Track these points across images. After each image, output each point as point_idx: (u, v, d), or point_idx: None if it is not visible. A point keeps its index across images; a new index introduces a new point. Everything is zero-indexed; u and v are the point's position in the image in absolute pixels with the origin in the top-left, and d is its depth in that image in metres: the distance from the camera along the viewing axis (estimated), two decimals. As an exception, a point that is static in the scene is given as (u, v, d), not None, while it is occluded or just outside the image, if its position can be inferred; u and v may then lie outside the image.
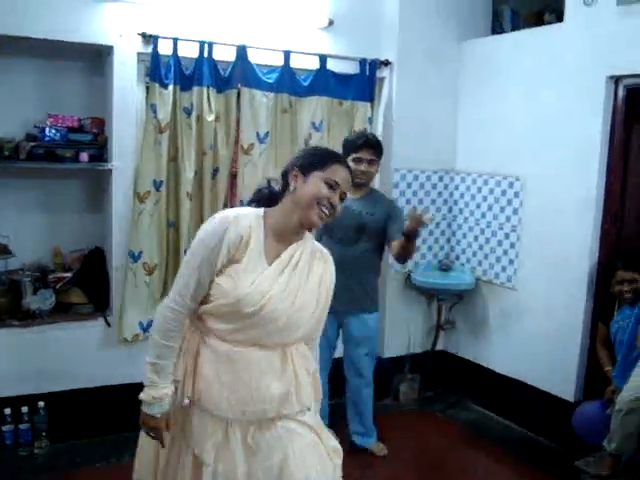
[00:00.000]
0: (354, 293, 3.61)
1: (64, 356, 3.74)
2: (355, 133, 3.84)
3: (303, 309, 2.06)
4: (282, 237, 2.06)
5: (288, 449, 2.05)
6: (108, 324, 3.83)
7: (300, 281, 2.06)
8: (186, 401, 2.04)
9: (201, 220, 3.86)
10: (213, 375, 2.02)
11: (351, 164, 3.47)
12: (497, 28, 4.68)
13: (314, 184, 2.01)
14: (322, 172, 2.02)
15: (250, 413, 2.03)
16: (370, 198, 3.67)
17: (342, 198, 2.07)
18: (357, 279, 3.61)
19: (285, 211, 2.05)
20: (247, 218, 2.03)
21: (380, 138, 3.89)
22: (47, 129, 3.62)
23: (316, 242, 2.20)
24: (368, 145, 3.53)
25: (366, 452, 3.87)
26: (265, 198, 2.17)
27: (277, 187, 2.16)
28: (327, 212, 2.03)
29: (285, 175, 2.10)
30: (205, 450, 2.03)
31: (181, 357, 2.08)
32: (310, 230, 2.12)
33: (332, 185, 2.02)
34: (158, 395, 2.02)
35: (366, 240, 3.62)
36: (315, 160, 2.06)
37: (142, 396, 2.05)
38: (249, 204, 2.22)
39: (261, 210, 2.09)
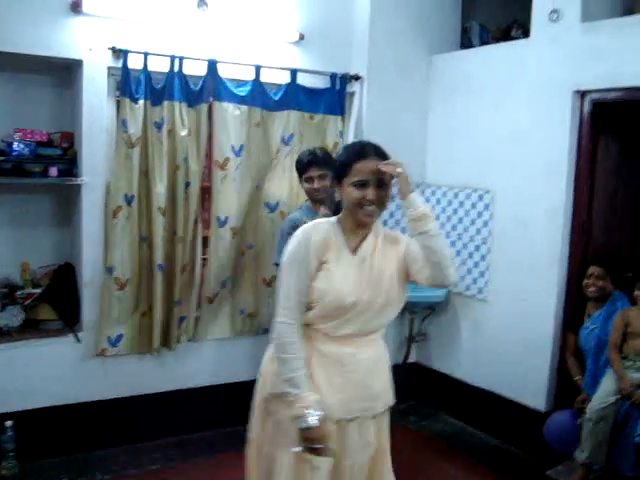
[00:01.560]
0: None
1: (33, 373, 3.67)
2: (303, 151, 3.84)
3: (391, 289, 2.22)
4: (354, 235, 2.24)
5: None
6: (78, 340, 3.78)
7: (381, 266, 2.22)
8: (317, 413, 2.11)
9: (174, 234, 3.85)
10: (324, 379, 2.17)
11: (305, 184, 3.64)
12: (466, 42, 4.75)
13: (347, 191, 2.17)
14: (349, 177, 2.16)
15: (357, 411, 2.23)
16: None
17: (380, 185, 2.17)
18: None
19: (345, 215, 2.25)
20: (323, 225, 2.26)
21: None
22: (15, 143, 3.57)
23: (388, 229, 2.39)
24: (314, 162, 3.60)
25: None
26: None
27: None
28: (371, 209, 2.16)
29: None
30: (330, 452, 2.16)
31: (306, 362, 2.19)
32: (366, 227, 2.24)
33: (361, 185, 2.14)
34: (307, 404, 2.09)
35: None
36: (340, 169, 2.21)
37: (294, 413, 2.10)
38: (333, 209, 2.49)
39: (334, 217, 2.30)
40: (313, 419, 2.07)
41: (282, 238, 3.63)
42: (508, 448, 4.16)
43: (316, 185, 3.59)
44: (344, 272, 2.18)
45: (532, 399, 3.99)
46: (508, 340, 4.15)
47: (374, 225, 2.27)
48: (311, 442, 2.09)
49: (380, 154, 2.21)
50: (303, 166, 3.63)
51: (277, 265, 3.59)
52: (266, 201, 4.21)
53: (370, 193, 2.14)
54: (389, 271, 2.24)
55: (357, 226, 2.23)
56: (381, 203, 2.19)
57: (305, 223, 3.43)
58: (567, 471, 3.57)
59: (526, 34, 4.17)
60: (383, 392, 2.33)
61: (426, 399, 4.81)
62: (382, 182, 2.16)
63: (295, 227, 3.51)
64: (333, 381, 2.18)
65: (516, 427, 4.13)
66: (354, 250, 2.23)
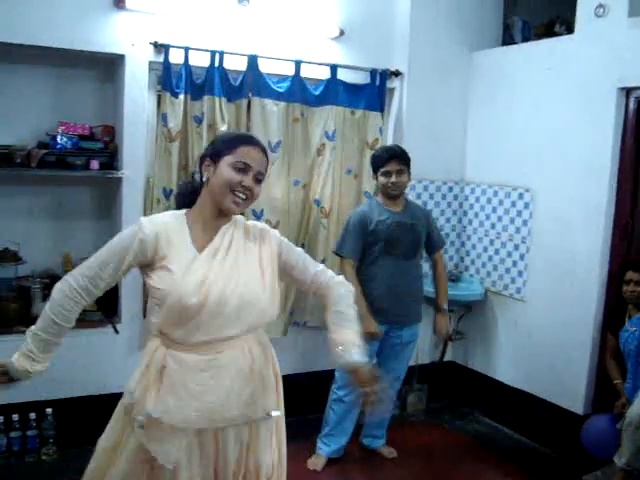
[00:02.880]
0: (415, 304, 3.78)
1: (72, 363, 3.73)
2: (379, 147, 3.93)
3: (250, 287, 2.01)
4: (208, 225, 2.04)
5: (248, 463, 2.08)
6: (116, 331, 3.83)
7: (237, 261, 2.02)
8: (140, 418, 1.97)
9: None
10: (180, 387, 1.96)
11: (381, 178, 3.63)
12: (508, 39, 4.68)
13: (225, 170, 1.98)
14: (231, 156, 1.98)
15: (219, 421, 2.00)
16: (411, 208, 3.77)
17: (258, 179, 2.03)
18: (418, 290, 3.80)
19: (203, 202, 2.03)
20: (163, 217, 2.05)
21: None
22: (58, 137, 3.64)
23: (251, 221, 2.17)
24: (394, 156, 3.59)
25: (376, 455, 3.95)
26: (188, 193, 2.14)
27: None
28: (243, 196, 2.00)
29: (200, 164, 2.08)
30: (170, 458, 1.98)
31: (142, 372, 2.02)
32: (229, 216, 2.07)
33: (242, 168, 1.98)
34: (32, 370, 2.02)
35: (420, 250, 3.76)
36: (223, 146, 2.02)
37: (14, 361, 2.02)
38: (176, 200, 2.23)
39: (181, 211, 2.09)
40: (20, 377, 2.05)
41: (345, 230, 3.69)
42: (544, 451, 4.11)
43: (394, 179, 3.58)
44: (186, 271, 1.94)
45: (570, 401, 3.93)
46: (546, 341, 4.09)
47: (234, 218, 2.09)
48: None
49: (264, 149, 2.08)
50: (383, 160, 3.61)
51: (336, 254, 3.73)
52: (308, 198, 4.22)
53: (248, 180, 1.98)
54: (249, 268, 2.03)
55: (216, 216, 2.03)
56: (252, 196, 2.02)
57: (373, 217, 3.59)
58: (605, 477, 3.49)
59: (570, 30, 4.09)
60: (259, 398, 2.07)
61: (461, 398, 4.77)
62: (260, 177, 2.02)
63: (364, 220, 3.61)
64: (191, 390, 1.95)
65: (553, 430, 4.07)
66: (203, 245, 2.00)
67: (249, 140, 2.06)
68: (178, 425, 1.96)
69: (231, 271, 1.99)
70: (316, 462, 3.77)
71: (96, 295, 2.03)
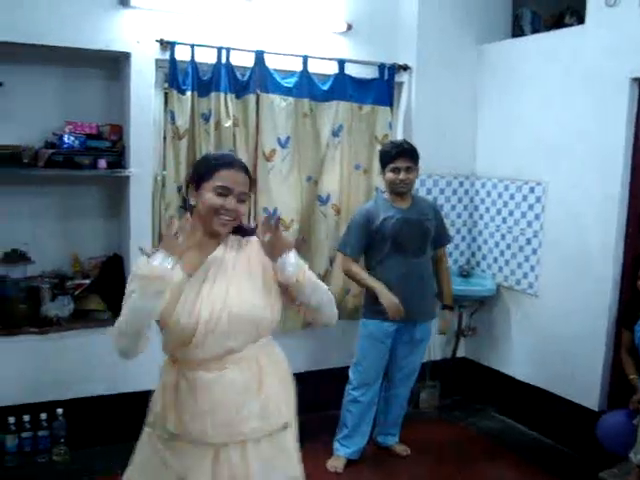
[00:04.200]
0: (427, 301, 3.73)
1: (82, 363, 3.74)
2: (388, 143, 3.82)
3: (243, 300, 2.02)
4: (201, 247, 2.06)
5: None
6: (126, 331, 3.81)
7: (227, 278, 2.03)
8: (165, 436, 2.03)
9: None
10: (193, 405, 2.01)
11: (389, 174, 3.57)
12: (517, 31, 4.63)
13: (206, 196, 2.01)
14: (209, 182, 2.02)
15: (236, 435, 2.02)
16: (418, 203, 3.71)
17: (242, 199, 2.05)
18: (428, 287, 3.74)
19: (194, 225, 2.04)
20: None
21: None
22: (66, 136, 3.62)
23: (236, 237, 2.15)
24: (403, 153, 3.53)
25: (389, 452, 3.94)
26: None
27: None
28: (227, 218, 2.03)
29: (186, 190, 2.14)
30: (198, 476, 2.01)
31: (160, 392, 2.08)
32: (216, 237, 2.08)
33: (221, 192, 2.01)
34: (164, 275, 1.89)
35: (428, 246, 3.70)
36: (202, 172, 2.05)
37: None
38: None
39: None
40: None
41: (348, 228, 3.68)
42: (559, 447, 4.06)
43: (402, 176, 3.53)
44: (176, 296, 1.96)
45: (585, 397, 3.88)
46: (559, 336, 4.04)
47: (225, 238, 2.11)
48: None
49: (245, 168, 2.10)
50: (391, 156, 3.54)
51: (339, 251, 3.74)
52: (318, 194, 4.19)
53: (230, 202, 2.01)
54: (241, 282, 2.04)
55: (209, 237, 2.07)
56: (237, 216, 2.06)
57: (378, 214, 3.55)
58: (621, 473, 3.45)
59: (580, 20, 4.03)
60: (272, 407, 2.08)
61: (474, 395, 4.74)
62: (243, 197, 2.05)
63: (368, 218, 3.57)
64: (203, 407, 2.00)
65: (567, 426, 4.02)
66: (194, 269, 2.02)
67: (227, 164, 2.06)
68: (198, 440, 2.01)
69: (221, 289, 2.01)
70: (336, 465, 3.72)
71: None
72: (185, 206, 2.15)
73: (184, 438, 2.02)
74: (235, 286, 2.04)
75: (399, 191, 3.59)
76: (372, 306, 3.59)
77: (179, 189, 3.78)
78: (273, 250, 2.04)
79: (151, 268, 1.86)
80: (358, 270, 3.61)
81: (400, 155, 3.53)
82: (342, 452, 3.77)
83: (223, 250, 2.09)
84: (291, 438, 2.17)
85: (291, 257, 2.03)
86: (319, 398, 4.00)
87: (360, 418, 3.73)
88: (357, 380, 3.69)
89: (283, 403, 2.14)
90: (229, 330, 2.00)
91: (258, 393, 2.06)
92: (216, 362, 2.02)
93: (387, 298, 3.49)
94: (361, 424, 3.75)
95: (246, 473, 2.04)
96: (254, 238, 2.17)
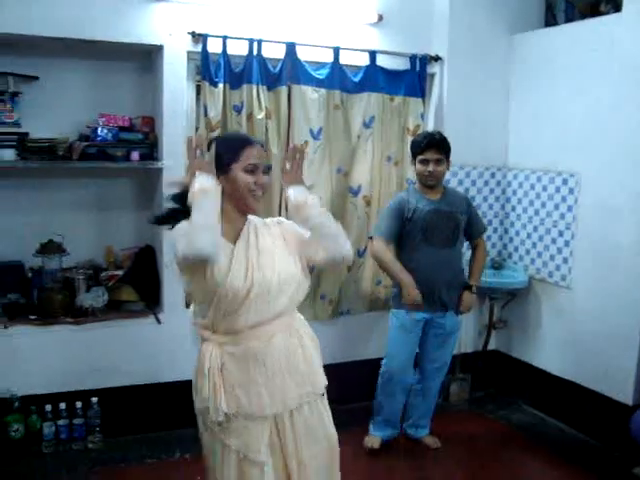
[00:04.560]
0: (456, 292, 3.69)
1: (116, 353, 3.79)
2: (420, 134, 3.78)
3: (284, 264, 2.17)
4: (232, 225, 2.17)
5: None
6: (159, 321, 3.86)
7: (267, 245, 2.18)
8: (220, 418, 2.08)
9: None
10: (246, 380, 2.09)
11: (418, 166, 3.56)
12: (550, 20, 4.56)
13: (239, 177, 2.11)
14: (238, 163, 2.11)
15: (290, 402, 2.15)
16: (450, 195, 3.69)
17: (266, 172, 2.19)
18: (457, 279, 3.70)
19: (228, 210, 2.14)
20: None
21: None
22: (99, 129, 3.67)
23: (260, 218, 2.29)
24: (432, 145, 3.50)
25: (420, 445, 3.93)
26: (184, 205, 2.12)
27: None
28: (260, 193, 2.16)
29: None
30: (261, 452, 2.10)
31: (206, 376, 2.10)
32: (249, 212, 2.21)
33: (251, 170, 2.12)
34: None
35: (459, 238, 3.68)
36: (227, 155, 2.11)
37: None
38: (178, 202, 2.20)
39: None
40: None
41: (381, 215, 3.68)
42: (591, 442, 4.02)
43: (431, 168, 3.50)
44: (230, 263, 2.08)
45: (618, 392, 3.83)
46: (593, 329, 4.00)
47: (250, 217, 2.24)
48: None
49: (261, 142, 2.25)
50: (420, 147, 3.52)
51: (370, 238, 3.73)
52: (349, 185, 4.19)
53: (259, 177, 2.14)
54: (278, 249, 2.20)
55: (239, 216, 2.18)
56: (265, 189, 2.20)
57: (411, 204, 3.55)
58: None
59: (617, 9, 3.96)
60: (313, 373, 2.24)
61: (505, 388, 4.71)
62: (266, 170, 2.19)
63: (402, 206, 3.56)
64: (257, 379, 2.10)
65: (600, 420, 3.98)
66: (234, 239, 2.15)
67: (249, 142, 2.18)
68: (256, 415, 2.10)
69: (265, 254, 2.15)
70: (373, 441, 3.81)
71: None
72: (178, 198, 2.16)
73: (239, 416, 2.09)
74: (278, 253, 2.19)
75: (427, 184, 3.57)
76: (401, 296, 3.60)
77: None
78: (288, 178, 2.22)
79: (201, 184, 1.99)
80: (387, 255, 3.56)
81: (429, 147, 3.49)
82: (377, 433, 3.83)
83: (254, 224, 2.22)
84: (325, 402, 2.31)
85: (302, 188, 2.21)
86: (347, 390, 4.00)
87: (390, 408, 3.77)
88: (388, 370, 3.70)
89: (321, 370, 2.29)
90: (278, 292, 2.13)
91: (303, 359, 2.20)
92: (265, 328, 2.13)
93: (408, 287, 3.48)
94: (392, 414, 3.79)
95: (294, 437, 2.18)
96: (281, 218, 2.38)
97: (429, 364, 3.80)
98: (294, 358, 2.18)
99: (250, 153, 2.12)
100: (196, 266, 2.03)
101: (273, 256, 2.16)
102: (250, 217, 2.24)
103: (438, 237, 3.58)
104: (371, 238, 3.70)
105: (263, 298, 2.11)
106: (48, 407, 3.63)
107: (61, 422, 3.68)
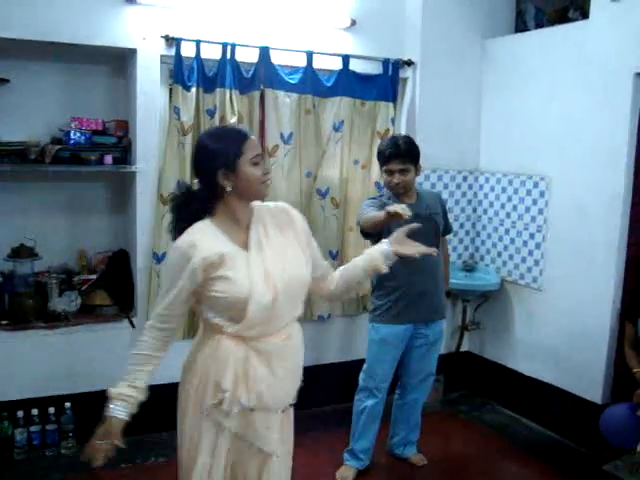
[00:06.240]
0: (439, 299, 3.56)
1: (89, 357, 3.76)
2: (386, 140, 3.55)
3: (296, 265, 2.16)
4: (239, 224, 2.13)
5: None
6: (133, 325, 3.84)
7: (278, 245, 2.15)
8: (235, 410, 2.07)
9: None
10: (268, 374, 2.09)
11: (385, 176, 3.40)
12: (521, 26, 4.64)
13: (249, 172, 2.07)
14: (243, 157, 2.06)
15: (294, 397, 2.23)
16: (424, 197, 3.51)
17: (264, 159, 2.28)
18: (440, 287, 3.56)
19: (232, 208, 2.11)
20: (200, 236, 2.05)
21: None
22: (72, 132, 3.65)
23: (268, 203, 2.25)
24: (396, 155, 3.30)
25: (403, 460, 3.81)
26: (190, 203, 2.13)
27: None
28: (269, 181, 2.18)
29: (210, 180, 2.07)
30: (274, 444, 2.16)
31: (228, 367, 2.08)
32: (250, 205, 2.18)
33: (257, 161, 2.10)
34: (122, 394, 2.19)
35: (438, 241, 3.48)
36: (230, 151, 2.06)
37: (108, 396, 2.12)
38: (180, 214, 2.16)
39: (204, 221, 2.10)
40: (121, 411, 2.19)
41: (364, 205, 3.41)
42: (563, 441, 4.08)
43: (397, 180, 3.32)
44: (242, 273, 2.03)
45: (588, 391, 3.90)
46: (563, 330, 4.06)
47: (254, 207, 2.19)
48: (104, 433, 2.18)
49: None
50: (385, 158, 3.34)
51: (358, 224, 3.41)
52: (317, 187, 4.21)
53: (265, 165, 2.22)
54: (290, 248, 2.18)
55: (245, 205, 2.13)
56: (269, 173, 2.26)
57: (387, 205, 3.28)
58: (625, 466, 3.46)
59: (584, 15, 4.04)
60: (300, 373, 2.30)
61: (478, 389, 4.76)
62: (264, 157, 2.33)
63: (381, 203, 3.30)
64: (278, 374, 2.12)
65: (571, 419, 4.04)
66: (244, 242, 2.10)
67: (245, 135, 2.13)
68: (271, 407, 2.13)
69: (279, 256, 2.12)
70: (346, 475, 3.59)
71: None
72: (176, 225, 2.14)
73: (257, 408, 2.10)
74: (291, 253, 2.17)
75: (395, 193, 3.39)
76: (386, 311, 3.44)
77: (180, 185, 3.72)
78: (399, 244, 2.34)
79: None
80: (369, 215, 3.23)
81: (393, 157, 3.31)
82: (353, 463, 3.62)
83: (261, 220, 2.17)
84: None
85: (392, 255, 2.32)
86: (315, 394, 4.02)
87: (371, 426, 3.58)
88: (370, 387, 3.52)
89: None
90: (299, 294, 2.18)
91: (302, 354, 2.26)
92: (284, 329, 2.15)
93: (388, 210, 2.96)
94: (371, 432, 3.60)
95: (289, 431, 2.29)
96: (289, 207, 2.29)
97: (412, 377, 3.63)
98: (300, 356, 2.24)
99: (252, 144, 2.10)
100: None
101: (286, 256, 2.14)
102: (255, 206, 2.18)
103: (418, 242, 3.35)
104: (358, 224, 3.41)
105: (287, 304, 2.11)
106: (20, 413, 3.59)
107: (33, 428, 3.64)
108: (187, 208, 2.12)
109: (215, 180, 2.05)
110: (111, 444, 2.12)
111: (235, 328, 2.05)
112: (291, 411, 2.27)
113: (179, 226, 2.11)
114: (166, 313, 2.08)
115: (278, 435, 2.18)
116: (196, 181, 2.15)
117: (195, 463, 2.12)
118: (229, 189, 2.06)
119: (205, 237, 2.04)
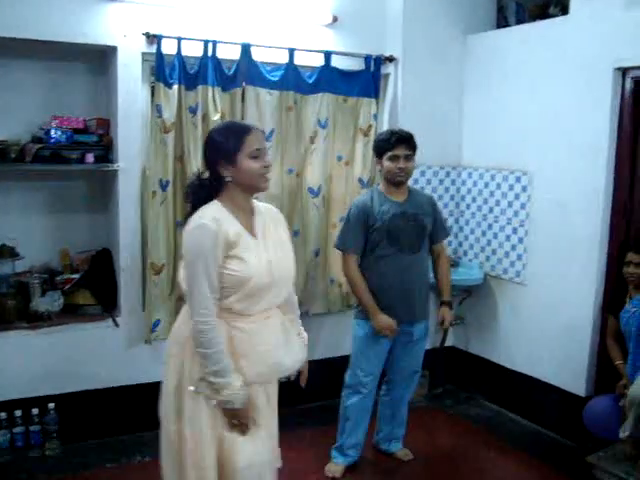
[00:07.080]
0: (423, 300, 3.56)
1: (73, 357, 3.74)
2: (385, 132, 3.60)
3: (288, 258, 2.39)
4: (245, 211, 2.31)
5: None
6: (116, 324, 3.82)
7: (275, 238, 2.36)
8: (238, 383, 2.21)
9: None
10: (251, 350, 2.24)
11: (387, 163, 3.39)
12: (502, 22, 4.66)
13: (246, 164, 2.21)
14: (243, 150, 2.21)
15: (282, 371, 2.36)
16: (415, 197, 3.52)
17: (267, 153, 2.35)
18: (424, 286, 3.55)
19: (234, 196, 2.28)
20: (217, 214, 2.21)
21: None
22: (52, 131, 3.61)
23: (260, 203, 2.43)
24: (402, 141, 3.36)
25: (389, 456, 3.82)
26: (200, 190, 2.31)
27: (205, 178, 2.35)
28: (268, 174, 2.30)
29: (213, 170, 2.28)
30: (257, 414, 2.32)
31: (223, 344, 2.23)
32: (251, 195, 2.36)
33: (257, 155, 2.23)
34: (235, 391, 2.18)
35: (425, 243, 3.50)
36: (231, 144, 2.22)
37: (223, 399, 2.18)
38: (191, 199, 2.35)
39: (214, 203, 2.26)
40: (238, 403, 2.19)
41: (346, 224, 3.46)
42: (547, 433, 4.12)
43: (402, 164, 3.35)
44: (254, 256, 2.23)
45: (572, 384, 3.94)
46: (547, 324, 4.10)
47: (253, 202, 2.38)
48: (237, 419, 2.24)
49: (258, 127, 2.36)
50: (390, 144, 3.35)
51: (338, 249, 3.51)
52: (309, 186, 4.20)
53: (265, 160, 2.27)
54: (281, 241, 2.39)
55: (247, 201, 2.32)
56: (270, 167, 2.35)
57: (374, 208, 3.40)
58: (608, 457, 3.50)
59: (565, 11, 4.06)
60: (295, 352, 2.43)
61: (463, 383, 4.79)
62: (267, 150, 2.38)
63: (366, 212, 3.38)
64: (259, 350, 2.26)
65: (555, 412, 4.08)
66: (249, 229, 2.28)
67: (248, 129, 2.27)
68: (254, 381, 2.26)
69: (277, 248, 2.33)
70: (334, 470, 3.59)
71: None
72: (191, 210, 2.30)
73: (248, 383, 2.24)
74: (281, 246, 2.37)
75: (397, 180, 3.39)
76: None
77: (162, 184, 3.74)
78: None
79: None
80: (356, 274, 3.41)
81: (400, 142, 3.35)
82: (340, 460, 3.62)
83: (261, 212, 2.37)
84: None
85: None
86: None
87: (359, 422, 3.58)
88: (356, 383, 3.53)
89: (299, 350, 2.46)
90: (284, 284, 2.35)
91: (286, 334, 2.38)
92: (267, 311, 2.31)
93: (379, 321, 3.35)
94: (360, 437, 3.62)
95: (274, 405, 2.42)
96: (278, 211, 2.50)
97: (398, 374, 3.65)
98: (283, 334, 2.35)
99: (253, 138, 2.22)
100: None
101: (284, 246, 2.37)
102: (255, 203, 2.37)
103: (404, 241, 3.39)
104: (342, 252, 3.49)
105: (279, 288, 2.31)
106: (3, 415, 3.57)
107: (17, 430, 3.61)
108: (197, 194, 2.30)
109: (217, 170, 2.24)
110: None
111: (228, 301, 2.22)
112: (275, 387, 2.43)
113: (193, 210, 2.27)
114: (214, 290, 2.17)
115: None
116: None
117: (201, 434, 2.24)
118: (229, 179, 2.23)
119: (223, 215, 2.21)
